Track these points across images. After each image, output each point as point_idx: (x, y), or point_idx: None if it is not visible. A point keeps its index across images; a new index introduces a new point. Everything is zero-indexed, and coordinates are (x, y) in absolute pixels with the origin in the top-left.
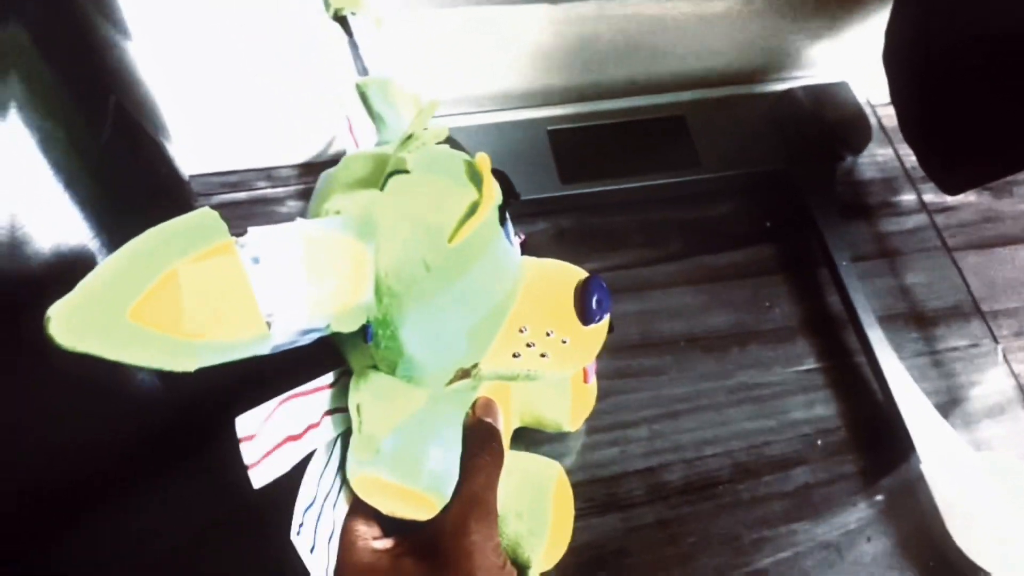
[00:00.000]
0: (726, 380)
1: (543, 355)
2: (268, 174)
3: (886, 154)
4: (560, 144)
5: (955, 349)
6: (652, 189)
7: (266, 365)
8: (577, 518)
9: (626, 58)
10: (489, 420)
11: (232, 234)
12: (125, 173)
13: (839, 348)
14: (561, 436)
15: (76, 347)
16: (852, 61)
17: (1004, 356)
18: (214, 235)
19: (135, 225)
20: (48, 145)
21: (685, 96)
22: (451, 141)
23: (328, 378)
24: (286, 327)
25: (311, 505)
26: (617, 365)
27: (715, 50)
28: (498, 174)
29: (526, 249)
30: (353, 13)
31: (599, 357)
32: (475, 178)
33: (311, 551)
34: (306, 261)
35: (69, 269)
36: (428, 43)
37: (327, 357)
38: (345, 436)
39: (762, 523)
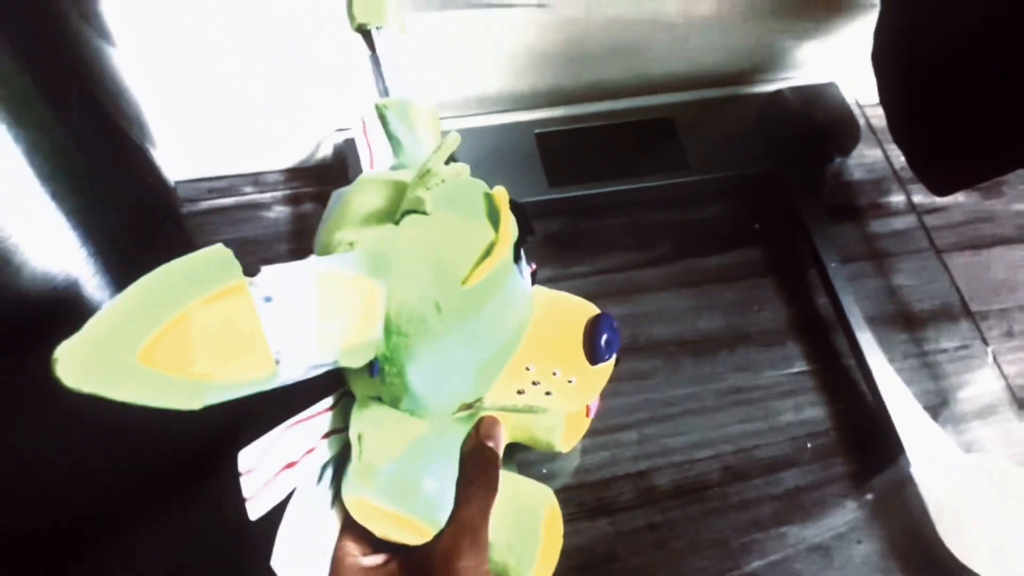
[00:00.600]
0: (716, 383)
1: (548, 393)
2: (255, 179)
3: (875, 155)
4: (548, 147)
5: (945, 351)
6: (640, 192)
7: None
8: (566, 523)
9: (614, 60)
10: (491, 444)
11: (245, 273)
12: (111, 181)
13: (829, 350)
14: None
15: (83, 388)
16: (840, 62)
17: (994, 357)
18: (227, 275)
19: (122, 234)
20: (34, 156)
21: (673, 98)
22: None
23: (328, 401)
24: (295, 364)
25: (296, 528)
26: None
27: (703, 52)
28: (514, 207)
29: (535, 279)
30: (378, 28)
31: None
32: (493, 215)
33: (299, 569)
34: (318, 300)
35: (58, 279)
36: (415, 46)
37: (327, 380)
38: (339, 456)
39: (752, 526)
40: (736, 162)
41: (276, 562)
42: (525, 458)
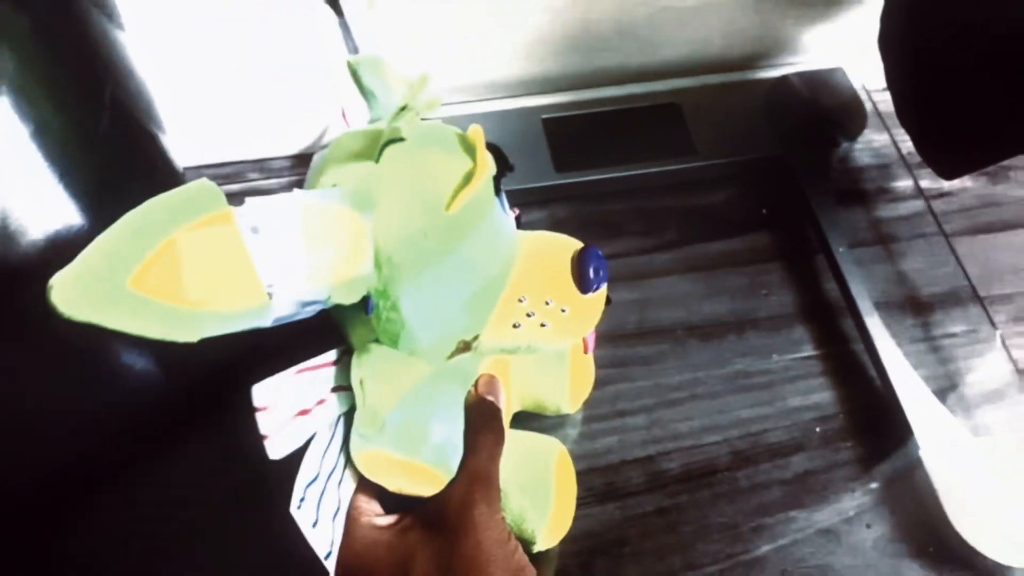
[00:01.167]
0: (724, 368)
1: (543, 325)
2: (261, 166)
3: (882, 140)
4: (555, 132)
5: (953, 335)
6: (647, 177)
7: (266, 341)
8: (576, 507)
9: (620, 45)
10: (491, 398)
11: (230, 204)
12: (121, 165)
13: (837, 335)
14: (559, 424)
15: (78, 316)
16: (847, 46)
17: (1002, 341)
18: (212, 204)
19: None
20: (44, 136)
21: (680, 83)
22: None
23: (332, 355)
24: (287, 297)
25: (314, 481)
26: (615, 354)
27: (710, 37)
28: (491, 147)
29: (520, 224)
30: None
31: (598, 343)
32: (469, 149)
33: (313, 526)
34: (304, 231)
35: (65, 260)
36: (422, 31)
37: (328, 335)
38: (347, 415)
39: (761, 510)
40: (743, 147)
41: (294, 509)
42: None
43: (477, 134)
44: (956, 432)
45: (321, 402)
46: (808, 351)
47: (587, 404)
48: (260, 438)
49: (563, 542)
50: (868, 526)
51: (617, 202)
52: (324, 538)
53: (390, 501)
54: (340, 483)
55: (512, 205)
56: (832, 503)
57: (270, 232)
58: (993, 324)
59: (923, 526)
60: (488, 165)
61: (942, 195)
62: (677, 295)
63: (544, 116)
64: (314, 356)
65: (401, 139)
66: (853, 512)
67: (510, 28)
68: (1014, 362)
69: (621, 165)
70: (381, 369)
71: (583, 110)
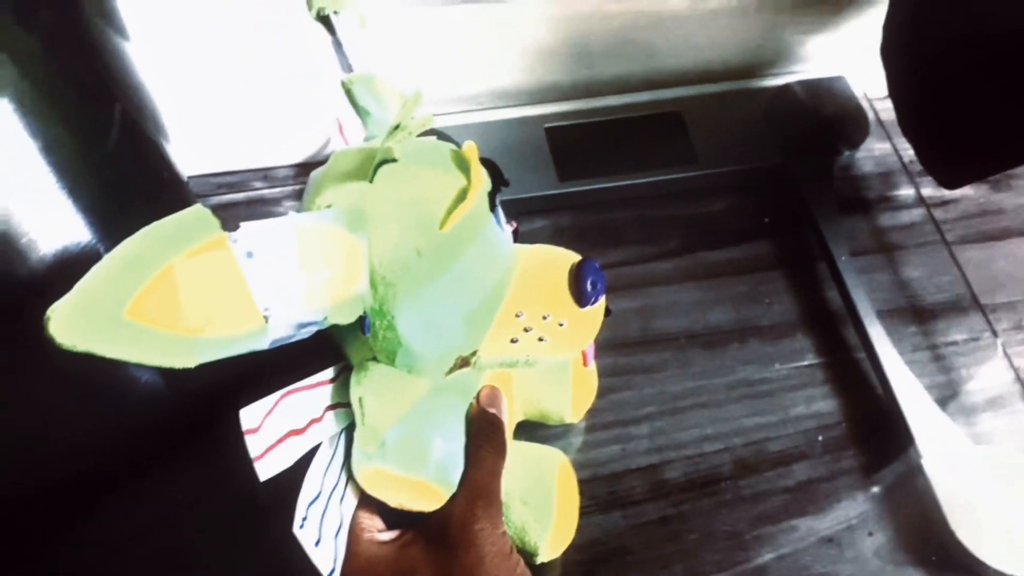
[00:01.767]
0: (726, 376)
1: (541, 339)
2: (265, 174)
3: (884, 148)
4: (558, 142)
5: (955, 343)
6: (650, 186)
7: (266, 360)
8: (579, 516)
9: (623, 55)
10: (493, 411)
11: (225, 230)
12: (128, 176)
13: (839, 343)
14: (562, 433)
15: (76, 346)
16: (849, 55)
17: (1004, 350)
18: (206, 231)
19: (138, 227)
20: (53, 153)
21: (682, 92)
22: (437, 133)
23: (328, 373)
24: (283, 320)
25: (315, 499)
26: (617, 362)
27: (712, 46)
28: (486, 162)
29: (518, 237)
30: (336, 12)
31: (599, 352)
32: (463, 166)
33: (316, 544)
34: (299, 254)
35: (74, 273)
36: (425, 40)
37: (326, 351)
38: (349, 431)
39: (763, 519)
40: (745, 156)
41: (297, 529)
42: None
43: (471, 150)
44: (958, 440)
45: (316, 420)
46: (810, 359)
47: (590, 413)
48: (249, 461)
49: (566, 551)
50: (870, 534)
51: (620, 211)
52: (327, 556)
53: (392, 516)
54: (342, 500)
55: (515, 214)
56: (834, 511)
57: (265, 256)
58: (995, 332)
59: (925, 534)
60: (481, 182)
61: (944, 203)
62: (679, 304)
63: (547, 125)
64: (315, 373)
65: (394, 159)
66: (855, 520)
67: (513, 38)
68: (1016, 370)
69: (624, 174)
70: (380, 387)
71: (586, 119)
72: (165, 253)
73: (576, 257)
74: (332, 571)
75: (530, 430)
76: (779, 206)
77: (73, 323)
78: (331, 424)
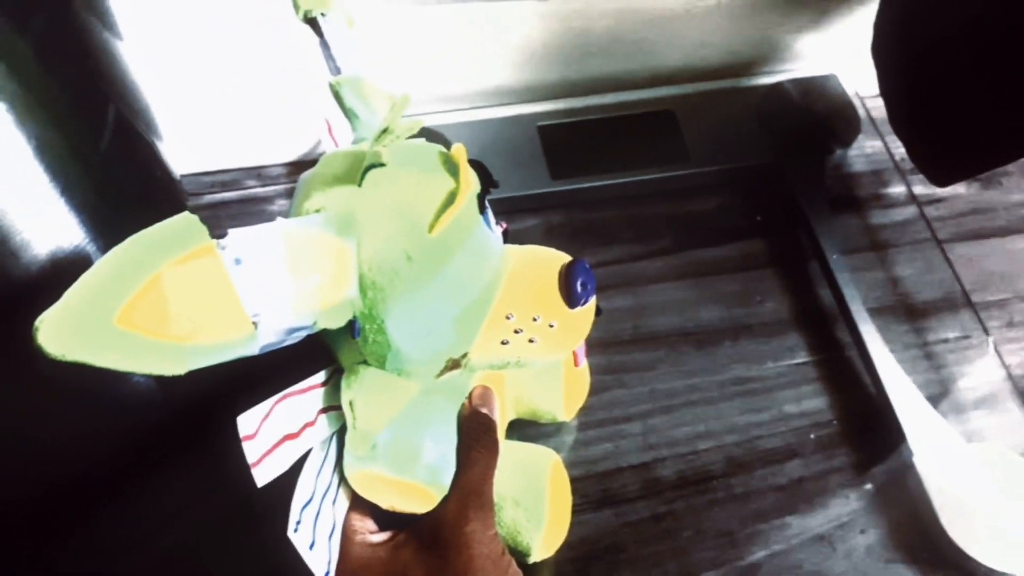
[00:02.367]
0: (718, 374)
1: (531, 340)
2: (258, 173)
3: (875, 146)
4: (550, 140)
5: (946, 341)
6: (642, 184)
7: (258, 364)
8: (571, 514)
9: (615, 53)
10: (485, 411)
11: (213, 236)
12: (121, 175)
13: (831, 341)
14: (555, 431)
15: (65, 356)
16: (840, 53)
17: (995, 347)
18: (195, 238)
19: (131, 227)
20: (46, 153)
21: (674, 91)
22: (427, 134)
23: (320, 376)
24: (272, 326)
25: (309, 502)
26: (609, 360)
27: (704, 44)
28: (475, 164)
29: (508, 238)
30: (323, 14)
31: (591, 350)
32: (452, 168)
33: (310, 548)
34: (288, 259)
35: (67, 272)
36: (416, 39)
37: (319, 354)
38: (340, 434)
39: (756, 516)
40: (737, 154)
41: (291, 533)
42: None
43: (459, 153)
44: (949, 438)
45: (309, 424)
46: (802, 357)
47: (582, 411)
48: (248, 466)
49: (559, 549)
50: (862, 532)
51: (612, 209)
52: (321, 559)
53: (383, 517)
54: (334, 502)
55: (507, 212)
56: (826, 509)
57: (253, 262)
58: (986, 330)
59: (917, 532)
60: (470, 185)
61: (935, 201)
62: (672, 302)
63: (540, 123)
64: (306, 377)
65: (382, 164)
66: (847, 518)
67: (505, 36)
68: (1007, 368)
69: (616, 172)
70: (371, 390)
71: (579, 117)
72: (153, 261)
73: (566, 258)
74: (327, 573)
75: (522, 428)
76: (771, 204)
77: (62, 333)
78: (324, 427)
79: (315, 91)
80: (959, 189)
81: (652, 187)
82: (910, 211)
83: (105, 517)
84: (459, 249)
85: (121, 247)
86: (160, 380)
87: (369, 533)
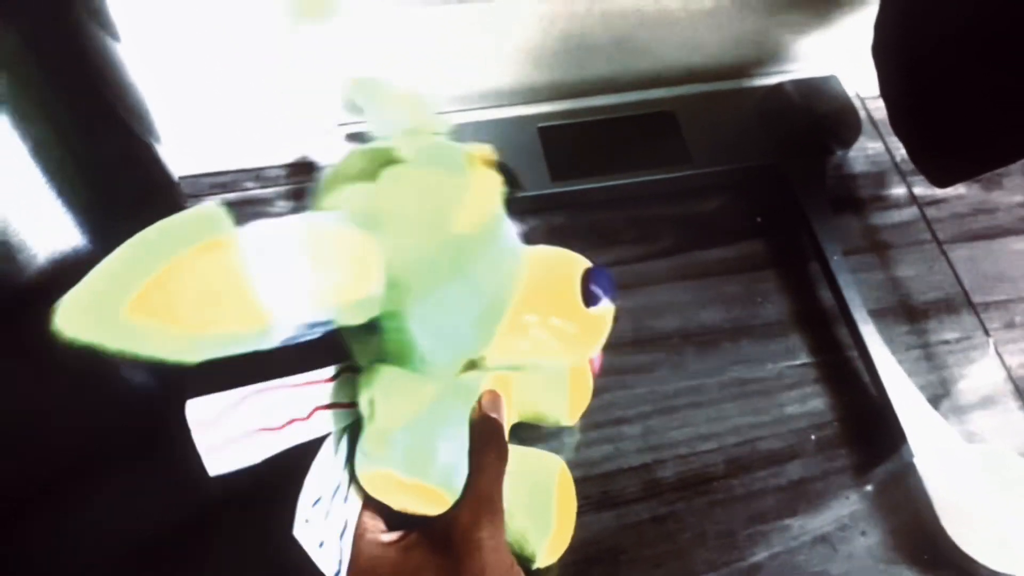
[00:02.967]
0: (719, 376)
1: (550, 343)
2: (257, 174)
3: (876, 147)
4: (550, 141)
5: (947, 342)
6: (643, 185)
7: (268, 359)
8: None
9: (616, 54)
10: (494, 415)
11: (235, 227)
12: (118, 176)
13: (831, 342)
14: (556, 433)
15: (80, 338)
16: (841, 54)
17: (995, 348)
18: (216, 228)
19: (128, 228)
20: (41, 151)
21: (675, 92)
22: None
23: (323, 373)
24: (289, 320)
25: (318, 501)
26: (610, 362)
27: (704, 45)
28: (499, 164)
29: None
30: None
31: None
32: (477, 168)
33: (320, 546)
34: (307, 253)
35: (65, 273)
36: (417, 40)
37: (317, 353)
38: (352, 432)
39: (756, 518)
40: (738, 155)
41: (299, 530)
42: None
43: (485, 152)
44: (950, 439)
45: (299, 419)
46: (803, 359)
47: (583, 413)
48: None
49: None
50: (863, 533)
51: (612, 210)
52: (332, 557)
53: (393, 515)
54: (346, 500)
55: (508, 214)
56: (827, 510)
57: (273, 255)
58: (987, 331)
59: (917, 533)
60: (497, 185)
61: (936, 202)
62: (672, 303)
63: (540, 125)
64: (299, 373)
65: (403, 161)
66: (848, 519)
67: (505, 37)
68: (1007, 369)
69: (617, 173)
70: (390, 389)
71: (579, 119)
72: (171, 249)
73: (584, 260)
74: (337, 572)
75: (523, 429)
76: (771, 205)
77: (77, 316)
78: (321, 424)
79: (319, 92)
80: (960, 190)
81: (652, 188)
82: (911, 212)
83: (104, 514)
84: (483, 249)
85: (143, 234)
86: (161, 376)
87: (380, 532)
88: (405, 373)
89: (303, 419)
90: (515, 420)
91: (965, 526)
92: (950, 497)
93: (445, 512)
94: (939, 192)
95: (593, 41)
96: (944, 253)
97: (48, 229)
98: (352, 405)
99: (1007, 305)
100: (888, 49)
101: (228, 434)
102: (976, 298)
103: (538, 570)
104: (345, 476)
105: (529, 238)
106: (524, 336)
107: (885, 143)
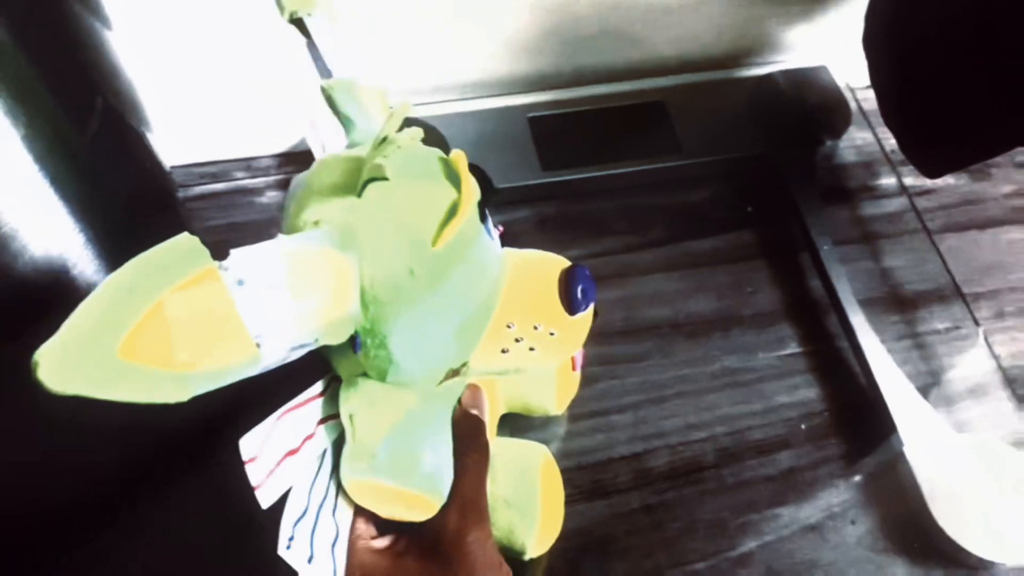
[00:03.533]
0: (710, 365)
1: (531, 349)
2: (247, 164)
3: (866, 138)
4: (541, 131)
5: (936, 332)
6: (633, 175)
7: (255, 380)
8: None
9: (606, 44)
10: (475, 412)
11: (213, 258)
12: (111, 167)
13: (821, 332)
14: (546, 423)
15: (67, 391)
16: (831, 45)
17: (985, 338)
18: (196, 261)
19: (120, 219)
20: (32, 142)
21: (665, 82)
22: (417, 125)
23: (318, 387)
24: (275, 346)
25: (302, 517)
26: (601, 352)
27: (695, 35)
28: (474, 169)
29: (505, 239)
30: (309, 14)
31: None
32: (452, 177)
33: (309, 561)
34: (290, 278)
35: (55, 263)
36: (407, 30)
37: (314, 366)
38: (337, 442)
39: (747, 507)
40: (728, 145)
41: (283, 550)
42: (518, 436)
43: (460, 160)
44: (940, 428)
45: (309, 437)
46: (793, 348)
47: (573, 402)
48: (252, 488)
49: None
50: (853, 522)
51: (603, 200)
52: (324, 570)
53: (383, 522)
54: (335, 510)
55: (498, 204)
56: (817, 499)
57: (256, 283)
58: (976, 321)
59: (907, 522)
60: (473, 195)
61: (925, 192)
62: (663, 293)
63: (530, 115)
64: (303, 389)
65: (385, 178)
66: (838, 508)
67: (495, 27)
68: (996, 358)
69: (607, 163)
70: (370, 402)
71: (569, 108)
72: (155, 288)
73: (564, 262)
74: None
75: (512, 419)
76: (762, 195)
77: (62, 368)
78: (322, 438)
79: (300, 91)
80: (949, 180)
81: (643, 178)
82: (900, 202)
83: (105, 534)
84: (462, 261)
85: (120, 273)
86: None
87: (371, 538)
88: (384, 386)
89: (311, 436)
90: (503, 412)
91: (954, 515)
92: (939, 486)
93: (433, 517)
94: (929, 182)
95: (583, 31)
96: (934, 243)
97: (38, 217)
98: (338, 416)
99: (996, 295)
100: (878, 40)
101: (269, 465)
102: (966, 288)
103: (530, 560)
104: (332, 485)
105: (519, 229)
106: (506, 343)
107: (875, 133)
